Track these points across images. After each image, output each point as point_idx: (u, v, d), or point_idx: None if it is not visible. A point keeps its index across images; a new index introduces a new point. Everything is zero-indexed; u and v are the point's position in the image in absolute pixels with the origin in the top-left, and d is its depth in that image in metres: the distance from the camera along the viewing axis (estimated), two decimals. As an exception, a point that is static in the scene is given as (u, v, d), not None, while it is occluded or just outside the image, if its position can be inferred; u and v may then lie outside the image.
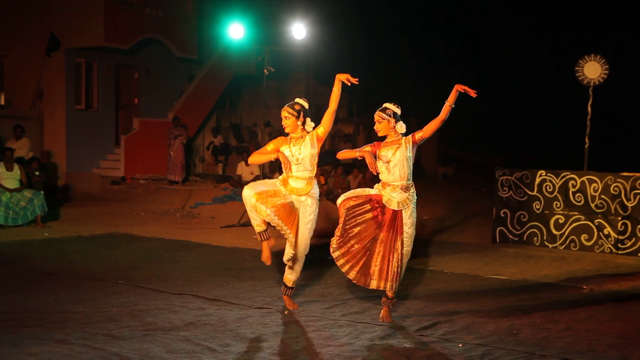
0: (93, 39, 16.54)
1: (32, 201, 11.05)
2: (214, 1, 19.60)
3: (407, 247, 5.82)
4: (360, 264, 5.81)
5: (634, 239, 9.69)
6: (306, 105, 6.14)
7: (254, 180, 15.61)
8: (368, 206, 5.84)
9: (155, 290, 6.76)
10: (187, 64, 19.43)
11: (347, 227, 5.82)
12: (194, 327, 5.50)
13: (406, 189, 5.79)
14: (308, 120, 6.12)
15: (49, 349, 4.84)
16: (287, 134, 6.17)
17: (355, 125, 24.20)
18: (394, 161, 5.77)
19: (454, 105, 5.77)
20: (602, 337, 5.53)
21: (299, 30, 12.88)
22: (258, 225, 5.98)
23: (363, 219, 5.83)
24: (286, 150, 6.05)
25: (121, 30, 16.85)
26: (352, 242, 5.81)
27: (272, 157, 6.03)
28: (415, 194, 5.86)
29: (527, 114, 26.24)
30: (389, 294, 5.84)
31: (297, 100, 6.17)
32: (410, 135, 5.84)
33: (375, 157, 5.83)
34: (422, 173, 21.75)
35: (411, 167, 5.84)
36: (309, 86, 22.84)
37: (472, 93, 5.75)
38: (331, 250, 5.85)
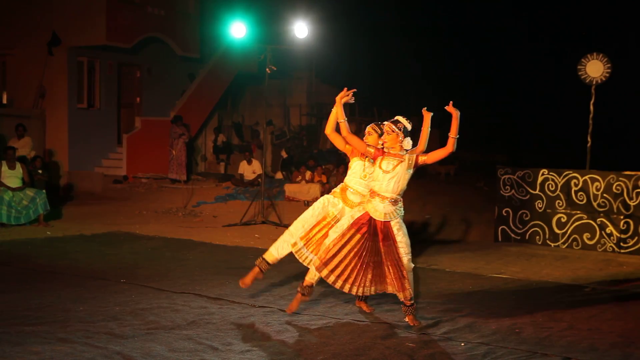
0: (95, 37, 16.55)
1: (34, 200, 11.07)
2: (216, 0, 19.59)
3: (407, 256, 5.70)
4: (354, 275, 5.73)
5: (636, 238, 9.68)
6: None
7: (256, 179, 15.82)
8: (353, 230, 5.78)
9: (158, 289, 6.77)
10: (189, 63, 19.42)
11: (335, 253, 5.76)
12: (196, 325, 5.51)
13: (394, 202, 5.76)
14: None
15: (51, 347, 4.85)
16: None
17: (357, 124, 24.16)
18: (392, 174, 5.74)
19: (458, 136, 5.79)
20: (604, 336, 5.53)
21: (301, 29, 12.82)
22: (273, 261, 6.18)
23: (351, 242, 5.75)
24: (360, 162, 6.06)
25: (123, 29, 16.85)
26: (342, 261, 5.73)
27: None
28: (402, 208, 5.83)
29: (529, 112, 26.19)
30: (407, 302, 5.74)
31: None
32: (414, 156, 5.78)
33: (372, 161, 5.88)
34: (423, 172, 21.70)
35: (405, 185, 5.80)
36: (311, 85, 22.83)
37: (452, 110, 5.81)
38: (316, 270, 5.79)
